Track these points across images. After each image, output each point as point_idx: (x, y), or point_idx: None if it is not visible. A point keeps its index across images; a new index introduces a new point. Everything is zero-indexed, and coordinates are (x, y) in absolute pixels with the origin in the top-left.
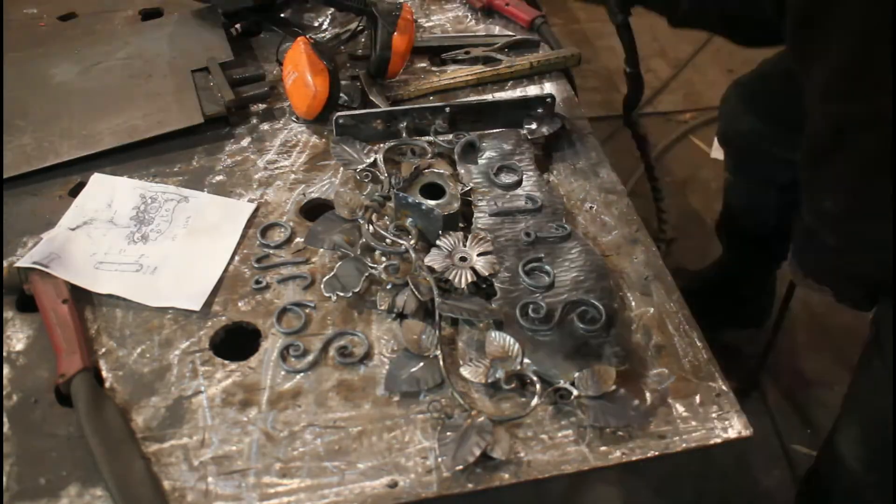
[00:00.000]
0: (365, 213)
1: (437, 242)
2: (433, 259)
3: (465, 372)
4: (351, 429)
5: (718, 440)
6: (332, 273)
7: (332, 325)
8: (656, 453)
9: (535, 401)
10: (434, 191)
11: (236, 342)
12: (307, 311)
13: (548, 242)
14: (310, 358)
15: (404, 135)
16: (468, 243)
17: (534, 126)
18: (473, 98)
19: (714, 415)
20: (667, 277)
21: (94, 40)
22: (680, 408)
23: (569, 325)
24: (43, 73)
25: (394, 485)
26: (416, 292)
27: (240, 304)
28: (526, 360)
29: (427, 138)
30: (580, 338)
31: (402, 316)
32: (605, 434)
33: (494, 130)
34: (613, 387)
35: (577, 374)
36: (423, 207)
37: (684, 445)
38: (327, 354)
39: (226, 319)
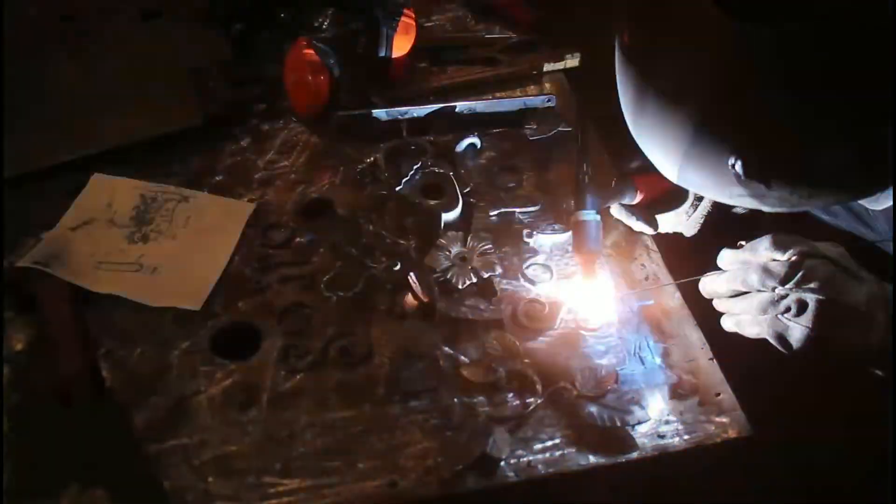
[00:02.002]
0: (366, 212)
1: (438, 242)
2: (433, 259)
3: (465, 372)
4: (351, 429)
5: (718, 440)
6: (333, 273)
7: (332, 325)
8: (656, 453)
9: (536, 400)
10: (434, 191)
11: (236, 342)
12: (307, 311)
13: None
14: (309, 358)
15: (405, 135)
16: (468, 243)
17: (534, 127)
18: (474, 100)
19: (714, 415)
20: (667, 277)
21: (94, 40)
22: (680, 408)
23: (567, 324)
24: (43, 73)
25: (394, 485)
26: (417, 292)
27: (240, 304)
28: (526, 360)
29: (428, 138)
30: (578, 337)
31: (402, 316)
32: (605, 434)
33: (495, 130)
34: (614, 386)
35: (577, 374)
36: (424, 207)
37: (684, 445)
38: (327, 354)
39: (226, 319)
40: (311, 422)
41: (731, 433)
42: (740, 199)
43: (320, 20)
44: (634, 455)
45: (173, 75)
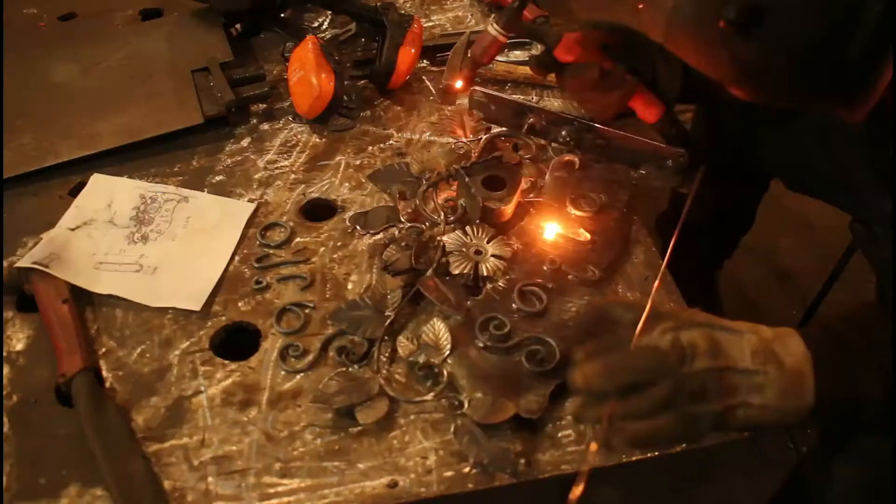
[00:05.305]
0: (431, 175)
1: (467, 229)
2: (451, 240)
3: (400, 340)
4: (351, 429)
5: (717, 441)
6: (365, 210)
7: (332, 324)
8: (656, 453)
9: (429, 396)
10: (498, 183)
11: (236, 342)
12: (307, 311)
13: (571, 282)
14: (309, 358)
15: (524, 129)
16: (491, 242)
17: (646, 172)
18: (614, 130)
19: None
20: (667, 277)
21: (94, 40)
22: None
23: (516, 356)
24: (43, 73)
25: (394, 485)
26: (413, 258)
27: (240, 304)
28: (449, 360)
29: (541, 141)
30: (515, 371)
31: (387, 269)
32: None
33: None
34: (500, 423)
35: (478, 395)
36: (472, 192)
37: (683, 446)
38: (327, 354)
39: (226, 319)
40: (311, 422)
41: (732, 433)
42: (718, 66)
43: (320, 20)
44: (634, 456)
45: (173, 75)
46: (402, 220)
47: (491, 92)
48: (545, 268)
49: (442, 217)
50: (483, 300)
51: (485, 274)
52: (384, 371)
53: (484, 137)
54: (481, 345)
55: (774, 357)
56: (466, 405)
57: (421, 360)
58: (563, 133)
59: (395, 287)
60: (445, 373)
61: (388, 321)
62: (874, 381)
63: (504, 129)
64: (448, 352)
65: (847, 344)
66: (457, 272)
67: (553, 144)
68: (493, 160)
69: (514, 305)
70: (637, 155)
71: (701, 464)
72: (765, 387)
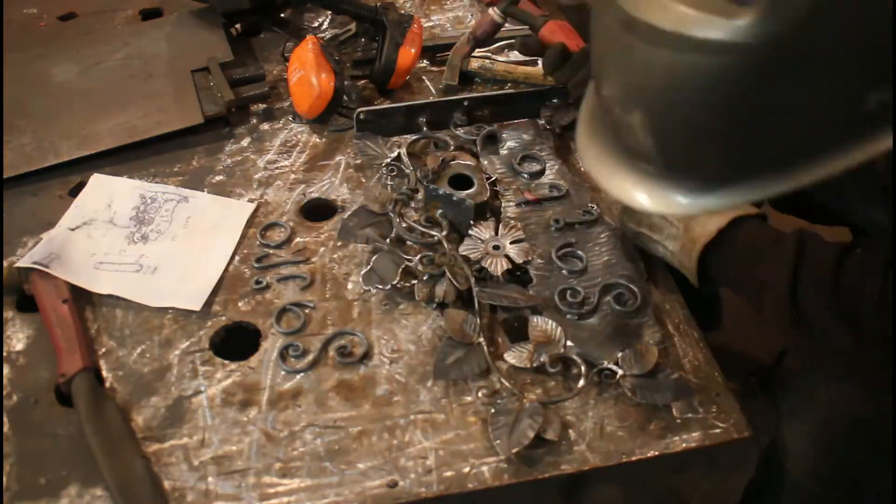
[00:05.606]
0: (395, 206)
1: (470, 232)
2: (467, 248)
3: (509, 358)
4: (351, 429)
5: (718, 441)
6: (370, 267)
7: (332, 324)
8: (656, 453)
9: (581, 382)
10: (461, 182)
11: (236, 342)
12: (307, 311)
13: (576, 228)
14: (309, 358)
15: (424, 129)
16: (500, 232)
17: (550, 115)
18: (491, 92)
19: (713, 415)
20: (667, 277)
21: (94, 40)
22: (680, 408)
23: (606, 307)
24: (43, 73)
25: (394, 485)
26: (454, 281)
27: (240, 304)
28: (569, 343)
29: (447, 131)
30: (618, 320)
31: (441, 305)
32: (605, 433)
33: (513, 122)
34: (656, 365)
35: (619, 355)
36: (455, 198)
37: (684, 446)
38: (327, 354)
39: (226, 319)
40: (311, 422)
41: (731, 433)
42: None
43: (320, 20)
44: (634, 456)
45: (173, 75)
46: (408, 257)
47: (374, 107)
48: (553, 229)
49: (444, 233)
50: (536, 283)
51: (519, 261)
52: (532, 395)
53: (401, 151)
54: (569, 317)
55: (688, 223)
56: (618, 370)
57: (544, 358)
58: (457, 115)
59: (461, 317)
60: (575, 356)
61: (483, 347)
62: (774, 279)
63: (414, 136)
64: (563, 338)
65: (768, 246)
66: (499, 273)
67: (459, 130)
68: (443, 165)
69: (563, 272)
70: (529, 105)
71: (702, 461)
72: (676, 239)
